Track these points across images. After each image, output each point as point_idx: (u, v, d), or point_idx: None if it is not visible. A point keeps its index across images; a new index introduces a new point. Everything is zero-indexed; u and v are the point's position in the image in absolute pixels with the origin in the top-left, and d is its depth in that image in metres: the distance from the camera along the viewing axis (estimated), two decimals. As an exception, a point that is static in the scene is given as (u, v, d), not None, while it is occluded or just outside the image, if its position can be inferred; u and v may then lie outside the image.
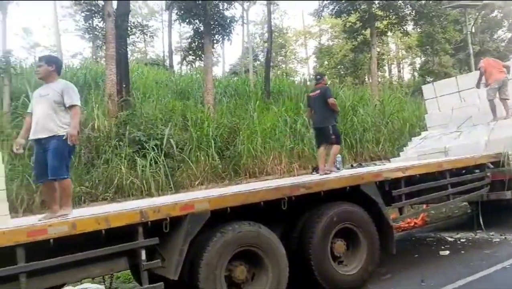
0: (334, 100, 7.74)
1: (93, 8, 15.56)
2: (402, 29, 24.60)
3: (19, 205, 8.46)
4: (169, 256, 4.31)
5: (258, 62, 36.40)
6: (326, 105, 7.55)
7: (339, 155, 9.45)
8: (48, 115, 4.60)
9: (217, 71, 36.63)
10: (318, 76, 8.43)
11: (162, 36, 37.48)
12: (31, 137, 4.62)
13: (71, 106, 4.68)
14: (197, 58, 20.07)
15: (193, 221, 4.34)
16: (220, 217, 4.55)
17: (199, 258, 4.36)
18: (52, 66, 4.85)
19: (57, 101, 4.65)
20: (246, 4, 30.25)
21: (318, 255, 5.02)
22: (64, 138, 4.57)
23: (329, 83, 25.43)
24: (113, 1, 13.65)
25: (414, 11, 23.71)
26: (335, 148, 7.69)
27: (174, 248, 4.28)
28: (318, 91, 7.80)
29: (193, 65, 24.15)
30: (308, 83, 24.17)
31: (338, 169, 8.29)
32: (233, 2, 18.17)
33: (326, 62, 36.57)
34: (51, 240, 3.72)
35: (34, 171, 4.75)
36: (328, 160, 7.64)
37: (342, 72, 33.26)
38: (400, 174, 6.02)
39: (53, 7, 32.80)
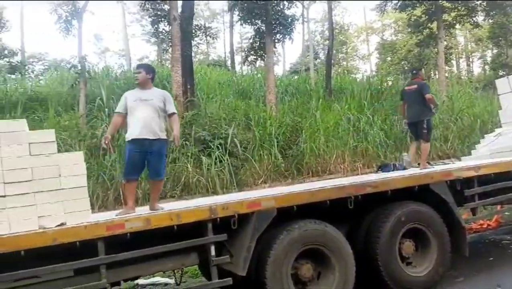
0: (432, 95, 7.82)
1: (159, 13, 16.19)
2: (472, 21, 23.38)
3: (95, 202, 8.98)
4: (237, 252, 4.41)
5: (318, 60, 36.06)
6: (422, 100, 7.62)
7: (405, 153, 9.20)
8: (153, 119, 4.95)
9: (278, 70, 36.71)
10: (414, 71, 8.51)
11: (223, 37, 38.26)
12: (135, 136, 4.92)
13: (172, 114, 5.11)
14: (259, 58, 20.27)
15: (260, 218, 4.42)
16: (286, 215, 4.60)
17: (266, 255, 4.43)
18: (150, 74, 5.23)
19: (161, 107, 5.03)
20: (306, 2, 30.08)
21: (386, 255, 4.94)
22: (165, 141, 5.05)
23: (392, 79, 24.78)
24: (178, 5, 14.11)
25: (485, 1, 22.45)
26: (425, 145, 7.72)
27: (242, 245, 4.38)
28: (415, 86, 7.85)
29: (255, 65, 24.40)
30: (371, 80, 23.58)
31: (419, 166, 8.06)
32: (294, 1, 18.15)
33: (389, 58, 35.57)
34: (128, 234, 3.97)
35: (126, 169, 5.04)
36: (419, 158, 7.74)
37: (406, 68, 32.17)
38: (472, 173, 5.76)
39: (121, 13, 34.48)
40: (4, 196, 3.69)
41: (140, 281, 6.93)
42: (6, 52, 18.13)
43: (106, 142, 4.96)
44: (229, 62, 30.96)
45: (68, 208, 3.90)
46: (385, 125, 14.29)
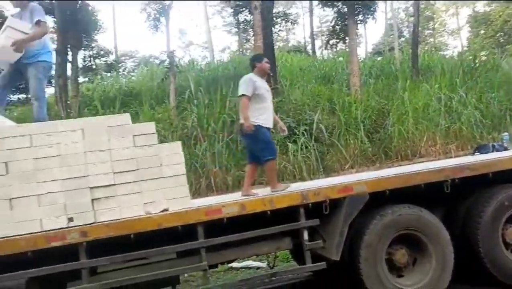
0: None
1: (240, 3, 16.45)
2: None
3: (189, 189, 9.44)
4: (329, 237, 4.44)
5: (403, 39, 34.48)
6: None
7: (506, 133, 8.57)
8: None
9: (360, 52, 35.64)
10: None
11: (302, 23, 37.88)
12: (270, 126, 5.38)
13: None
14: (340, 41, 19.87)
15: (352, 203, 4.39)
16: (379, 199, 4.53)
17: (359, 240, 4.41)
18: None
19: None
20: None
21: (488, 241, 4.67)
22: None
23: (486, 54, 23.00)
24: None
25: None
26: None
27: (334, 230, 4.39)
28: None
29: (336, 49, 23.95)
30: (463, 56, 22.11)
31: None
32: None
33: (482, 31, 33.01)
34: (225, 219, 4.16)
35: (271, 149, 5.38)
36: None
37: (502, 40, 29.68)
38: None
39: (203, 6, 35.45)
40: (114, 185, 4.03)
41: (234, 264, 7.23)
42: (101, 52, 19.51)
43: (252, 128, 5.16)
44: (309, 47, 30.68)
45: (169, 195, 4.16)
46: (480, 104, 13.38)
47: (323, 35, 36.41)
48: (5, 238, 3.73)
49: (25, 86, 16.23)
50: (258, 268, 7.40)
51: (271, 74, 13.97)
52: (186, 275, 6.75)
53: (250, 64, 5.63)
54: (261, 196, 4.52)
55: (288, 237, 4.53)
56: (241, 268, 7.47)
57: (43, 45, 5.18)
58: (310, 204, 4.34)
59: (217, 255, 4.35)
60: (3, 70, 5.35)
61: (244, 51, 31.30)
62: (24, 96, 16.90)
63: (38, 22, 5.04)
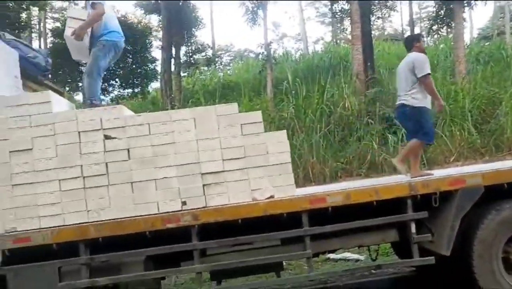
0: None
1: (336, -8, 16.16)
2: None
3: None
4: (438, 231, 4.24)
5: (514, 22, 31.45)
6: None
7: None
8: None
9: (465, 37, 33.18)
10: None
11: (400, 9, 36.16)
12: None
13: None
14: (445, 26, 18.66)
15: (464, 196, 4.15)
16: (494, 193, 4.22)
17: (472, 235, 4.16)
18: None
19: None
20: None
21: None
22: None
23: None
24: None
25: None
26: None
27: (444, 223, 4.19)
28: None
29: (438, 35, 22.58)
30: None
31: None
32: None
33: None
34: (330, 208, 4.15)
35: (431, 132, 5.44)
36: None
37: None
38: None
39: (297, -2, 35.35)
40: (223, 171, 4.21)
41: (332, 255, 7.18)
42: (200, 47, 20.35)
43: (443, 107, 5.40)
44: (407, 35, 29.21)
45: (275, 182, 4.24)
46: None
47: (422, 21, 34.50)
48: (127, 218, 4.08)
49: (132, 82, 17.63)
50: (357, 260, 7.29)
51: (369, 63, 13.63)
52: (284, 263, 6.86)
53: (406, 45, 5.65)
54: (367, 186, 4.43)
55: (394, 229, 4.41)
56: (339, 259, 7.40)
57: (104, 25, 5.17)
58: (418, 196, 4.18)
59: (321, 243, 4.36)
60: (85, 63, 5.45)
61: (338, 41, 30.73)
62: (131, 90, 18.22)
63: (92, 5, 5.08)
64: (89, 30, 5.15)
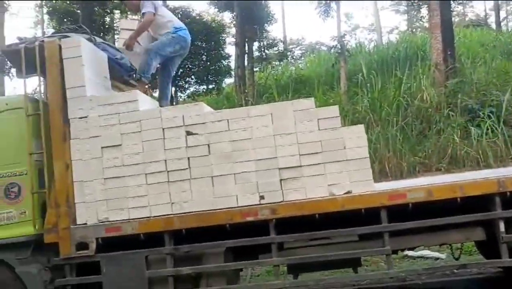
0: None
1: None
2: None
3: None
4: (531, 231, 3.99)
5: None
6: None
7: None
8: None
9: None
10: None
11: (484, -7, 33.89)
12: None
13: None
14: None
15: None
16: None
17: None
18: None
19: None
20: None
21: None
22: None
23: None
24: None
25: None
26: None
27: (538, 222, 3.94)
28: None
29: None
30: None
31: None
32: None
33: None
34: (410, 204, 4.05)
35: None
36: None
37: None
38: None
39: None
40: (300, 166, 4.24)
41: (410, 252, 6.97)
42: (272, 42, 20.45)
43: None
44: (491, 19, 27.39)
45: (353, 177, 4.21)
46: None
47: (508, 4, 32.07)
48: (208, 211, 4.25)
49: (207, 78, 18.15)
50: (436, 258, 7.02)
51: (449, 52, 12.93)
52: (361, 259, 6.77)
53: None
54: (450, 182, 4.25)
55: (480, 227, 4.21)
56: (418, 257, 7.18)
57: (171, 26, 5.31)
58: (508, 193, 3.95)
59: (400, 240, 4.28)
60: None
61: (414, 30, 29.46)
62: (205, 87, 18.75)
63: (143, 15, 5.23)
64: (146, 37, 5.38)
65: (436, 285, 5.89)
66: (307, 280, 5.15)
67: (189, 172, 4.32)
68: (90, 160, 4.42)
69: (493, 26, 26.22)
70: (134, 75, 5.44)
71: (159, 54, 5.25)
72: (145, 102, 4.76)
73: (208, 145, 4.34)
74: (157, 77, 5.95)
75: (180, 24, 5.54)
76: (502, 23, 26.67)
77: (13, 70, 10.85)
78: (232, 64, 18.06)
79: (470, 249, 6.73)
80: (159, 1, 5.63)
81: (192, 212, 4.27)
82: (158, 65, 5.44)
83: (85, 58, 4.56)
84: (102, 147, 4.42)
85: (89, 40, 4.99)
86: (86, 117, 4.47)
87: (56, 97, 4.52)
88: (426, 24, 15.35)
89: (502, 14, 29.27)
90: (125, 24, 5.70)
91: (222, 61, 18.10)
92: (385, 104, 10.59)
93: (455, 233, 4.27)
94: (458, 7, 33.98)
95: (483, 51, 16.24)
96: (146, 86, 5.41)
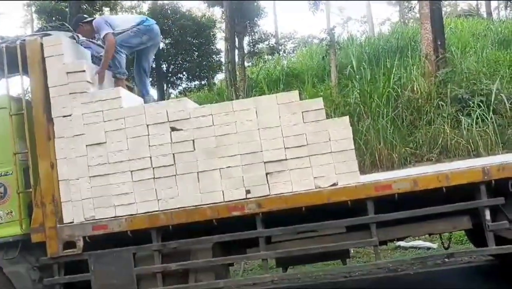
0: None
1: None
2: None
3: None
4: (517, 218, 4.01)
5: None
6: None
7: None
8: None
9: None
10: None
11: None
12: None
13: None
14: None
15: (546, 180, 3.89)
16: None
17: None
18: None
19: None
20: None
21: None
22: None
23: None
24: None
25: None
26: None
27: (523, 210, 3.96)
28: None
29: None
30: None
31: None
32: None
33: None
34: (396, 195, 4.05)
35: None
36: None
37: None
38: None
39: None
40: (285, 160, 4.23)
41: (402, 243, 7.00)
42: (263, 36, 20.38)
43: None
44: (483, 9, 27.41)
45: (338, 169, 4.20)
46: None
47: (500, -7, 32.07)
48: (194, 207, 4.24)
49: (199, 74, 18.11)
50: (428, 248, 7.07)
51: (439, 42, 12.92)
52: (352, 251, 6.80)
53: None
54: (435, 172, 4.26)
55: (467, 216, 4.23)
56: (410, 247, 7.22)
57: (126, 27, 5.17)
58: (493, 181, 3.96)
59: (387, 231, 4.29)
60: None
61: (406, 21, 29.43)
62: (198, 83, 18.70)
63: (103, 39, 5.04)
64: None
65: (427, 274, 5.93)
66: (297, 273, 5.17)
67: (175, 168, 4.30)
68: (75, 159, 4.40)
69: (485, 15, 26.21)
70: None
71: (124, 46, 5.15)
72: (129, 98, 4.73)
73: (193, 140, 4.32)
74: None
75: (141, 18, 5.42)
76: (494, 12, 26.68)
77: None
78: (224, 60, 18.01)
79: (462, 238, 6.78)
80: (109, 16, 5.47)
81: (178, 208, 4.26)
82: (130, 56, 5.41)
83: (67, 56, 4.53)
84: (86, 145, 4.40)
85: (72, 38, 4.94)
86: (70, 115, 4.45)
87: (39, 96, 4.49)
88: (418, 15, 15.31)
89: (494, 3, 29.26)
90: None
91: (213, 56, 18.06)
92: (375, 96, 10.58)
93: (442, 223, 4.27)
94: (448, -3, 34.02)
95: (473, 41, 16.25)
96: (126, 82, 5.35)
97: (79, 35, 5.18)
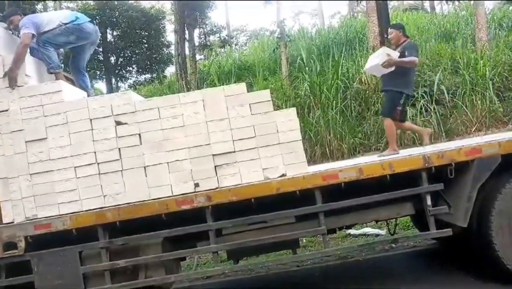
0: None
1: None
2: None
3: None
4: (455, 203, 4.19)
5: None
6: None
7: None
8: None
9: (487, 3, 31.98)
10: None
11: (419, -23, 35.04)
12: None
13: None
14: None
15: (481, 166, 4.09)
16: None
17: (490, 206, 4.11)
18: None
19: None
20: None
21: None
22: None
23: None
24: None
25: None
26: None
27: (461, 194, 4.14)
28: None
29: (458, 1, 21.87)
30: None
31: None
32: None
33: None
34: (342, 184, 4.14)
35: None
36: None
37: None
38: None
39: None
40: (234, 152, 4.23)
41: (352, 231, 7.20)
42: (215, 29, 20.21)
43: None
44: (427, 4, 28.46)
45: (286, 160, 4.24)
46: None
47: (442, -12, 33.38)
48: (142, 202, 4.16)
49: (150, 67, 17.72)
50: (377, 235, 7.29)
51: (386, 36, 13.31)
52: (304, 240, 6.91)
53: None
54: (380, 160, 4.38)
55: (409, 202, 4.39)
56: (359, 235, 7.42)
57: (52, 26, 4.95)
58: (433, 168, 4.13)
59: (335, 219, 4.38)
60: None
61: (356, 14, 30.12)
62: (149, 76, 18.32)
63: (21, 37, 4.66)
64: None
65: (375, 260, 6.12)
66: (248, 265, 5.19)
67: (121, 163, 4.20)
68: (13, 156, 4.20)
69: (429, 10, 27.23)
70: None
71: (50, 44, 4.90)
72: (70, 92, 4.56)
73: (139, 134, 4.23)
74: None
75: (72, 16, 5.11)
76: (437, 7, 27.74)
77: None
78: (174, 52, 17.73)
79: (409, 224, 7.04)
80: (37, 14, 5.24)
81: (126, 204, 4.16)
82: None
83: (2, 48, 4.29)
84: (26, 141, 4.21)
85: (8, 29, 4.69)
86: (7, 110, 4.24)
87: (-27, 91, 4.24)
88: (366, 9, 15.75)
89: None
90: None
91: (163, 49, 17.73)
92: (325, 88, 10.76)
93: (386, 210, 4.41)
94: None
95: (418, 34, 16.83)
96: (65, 74, 5.15)
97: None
